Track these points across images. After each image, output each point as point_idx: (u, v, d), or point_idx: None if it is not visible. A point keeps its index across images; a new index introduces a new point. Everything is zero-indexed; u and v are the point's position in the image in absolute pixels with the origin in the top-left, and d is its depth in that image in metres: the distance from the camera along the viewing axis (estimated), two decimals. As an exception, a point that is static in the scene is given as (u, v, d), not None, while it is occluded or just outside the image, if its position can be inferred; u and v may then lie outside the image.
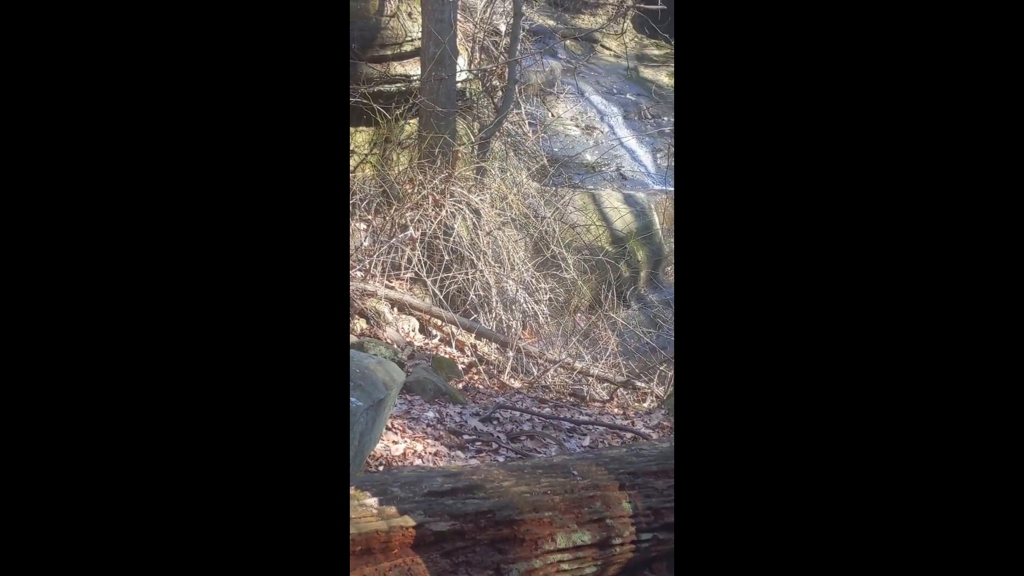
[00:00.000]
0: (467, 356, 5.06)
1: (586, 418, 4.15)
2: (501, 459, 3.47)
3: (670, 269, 8.74)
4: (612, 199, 8.36)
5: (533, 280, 5.59)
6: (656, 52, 11.72)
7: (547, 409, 4.30)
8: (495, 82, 6.96)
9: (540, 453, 3.62)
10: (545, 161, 6.83)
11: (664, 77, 11.20)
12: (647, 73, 11.30)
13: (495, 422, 3.95)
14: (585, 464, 2.23)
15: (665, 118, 10.38)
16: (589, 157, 9.08)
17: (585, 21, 11.54)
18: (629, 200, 8.62)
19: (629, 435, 3.87)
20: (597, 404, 4.66)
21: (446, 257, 5.36)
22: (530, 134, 7.25)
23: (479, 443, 3.61)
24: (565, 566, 1.98)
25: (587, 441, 3.83)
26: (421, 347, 4.97)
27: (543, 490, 2.01)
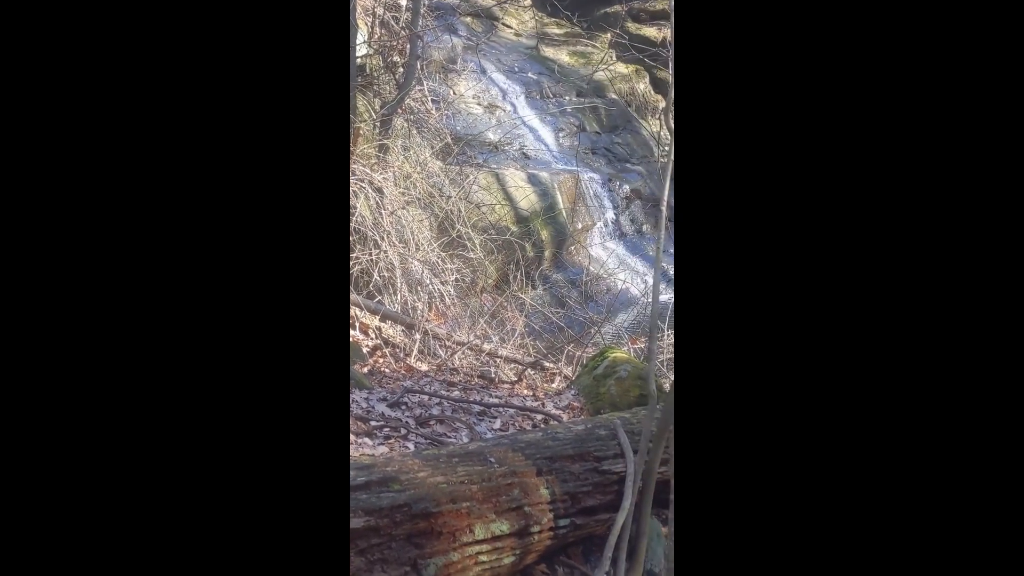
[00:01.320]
0: (372, 339, 4.93)
1: (496, 400, 4.09)
2: (411, 445, 3.37)
3: (574, 248, 8.79)
4: (516, 178, 8.33)
5: (439, 260, 5.49)
6: (557, 31, 11.71)
7: (456, 392, 4.22)
8: (396, 58, 6.78)
9: (451, 438, 3.55)
10: (449, 139, 6.71)
11: (565, 56, 11.20)
12: (548, 52, 11.28)
13: (403, 407, 3.85)
14: (501, 450, 2.17)
15: (567, 97, 10.41)
16: (492, 136, 9.00)
17: (485, -2, 11.41)
18: (533, 179, 8.60)
19: (540, 417, 3.83)
20: (506, 386, 4.61)
21: (349, 237, 5.19)
22: (433, 111, 7.11)
23: (387, 429, 3.50)
24: (483, 557, 1.92)
25: (498, 424, 3.77)
26: (324, 331, 4.80)
27: (460, 480, 1.93)
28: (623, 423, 2.68)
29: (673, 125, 2.46)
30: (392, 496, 1.75)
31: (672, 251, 9.78)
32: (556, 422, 3.70)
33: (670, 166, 2.52)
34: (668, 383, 4.31)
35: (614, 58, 11.11)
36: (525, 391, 4.41)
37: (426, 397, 4.00)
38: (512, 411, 3.92)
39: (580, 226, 8.82)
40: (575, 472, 2.30)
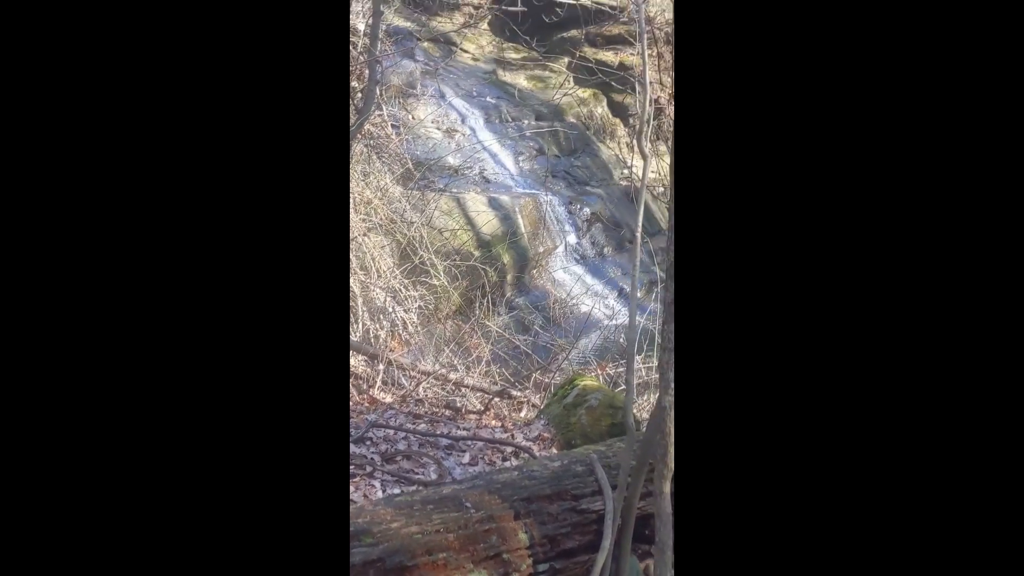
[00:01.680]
0: (334, 371, 4.77)
1: (464, 433, 3.97)
2: (377, 483, 3.25)
3: (536, 272, 8.72)
4: (477, 203, 8.24)
5: (401, 288, 5.37)
6: (515, 55, 11.71)
7: (422, 425, 4.10)
8: (354, 83, 6.68)
9: (418, 474, 3.42)
10: (410, 164, 6.61)
11: (523, 80, 11.19)
12: (506, 76, 11.26)
13: (367, 443, 3.71)
14: (477, 493, 2.06)
15: (526, 121, 10.38)
16: (452, 160, 8.93)
17: (443, 22, 11.37)
18: (493, 203, 8.53)
19: (510, 449, 3.72)
20: (473, 416, 4.49)
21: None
22: (393, 136, 7.01)
23: (352, 466, 3.36)
24: (461, 610, 1.81)
25: (467, 458, 3.65)
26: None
27: (436, 528, 1.82)
28: (599, 457, 2.59)
29: (646, 150, 2.39)
30: (364, 551, 1.63)
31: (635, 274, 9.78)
32: (528, 455, 3.59)
33: (643, 191, 2.44)
34: (645, 412, 4.23)
35: (572, 82, 11.12)
36: (493, 422, 4.30)
37: (391, 431, 3.87)
38: (481, 444, 3.80)
39: (542, 249, 8.77)
40: (553, 513, 2.20)
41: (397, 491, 3.17)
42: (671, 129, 10.65)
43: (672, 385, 1.97)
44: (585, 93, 11.07)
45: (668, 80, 10.46)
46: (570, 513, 2.26)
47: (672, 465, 1.98)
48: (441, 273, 5.71)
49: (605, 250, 9.65)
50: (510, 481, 2.23)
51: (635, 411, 4.50)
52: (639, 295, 9.36)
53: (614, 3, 10.53)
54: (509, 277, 8.06)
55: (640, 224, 2.32)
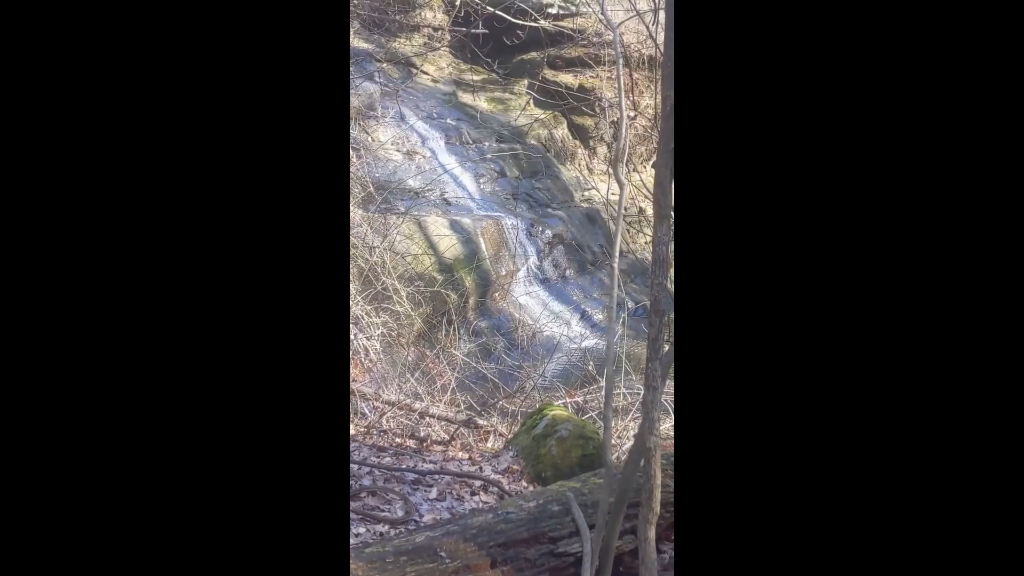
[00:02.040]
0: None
1: (431, 466, 3.85)
2: (341, 522, 3.10)
3: (498, 295, 8.63)
4: (439, 226, 8.15)
5: (364, 315, 5.24)
6: (474, 77, 11.67)
7: (387, 459, 3.97)
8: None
9: (384, 511, 3.29)
10: (371, 188, 6.50)
11: (483, 102, 11.15)
12: (466, 98, 11.21)
13: (331, 478, 3.57)
14: (452, 541, 1.95)
15: (486, 143, 10.32)
16: (413, 183, 8.83)
17: (403, 44, 11.29)
18: (455, 226, 8.44)
19: (478, 483, 3.61)
20: (439, 447, 4.37)
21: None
22: (354, 159, 6.89)
23: (315, 505, 3.22)
24: (438, 669, 1.69)
25: (434, 493, 3.53)
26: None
27: (410, 582, 1.71)
28: (576, 495, 2.49)
29: (622, 177, 2.32)
30: (335, 613, 1.51)
31: (595, 296, 9.76)
32: (499, 489, 3.48)
33: (620, 220, 2.37)
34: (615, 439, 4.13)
35: (532, 104, 11.11)
36: (460, 453, 4.18)
37: (355, 467, 3.73)
38: (448, 478, 3.68)
39: (504, 272, 8.70)
40: (531, 558, 2.10)
41: (363, 529, 3.04)
42: (634, 151, 10.66)
43: (656, 425, 1.88)
44: (545, 115, 11.06)
45: (639, 102, 10.52)
46: (548, 557, 2.16)
47: (657, 508, 1.90)
48: (404, 299, 5.59)
49: (567, 272, 9.61)
50: (485, 525, 2.12)
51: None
52: (600, 318, 9.34)
53: (574, 26, 10.55)
54: (471, 301, 7.96)
55: (617, 254, 2.25)
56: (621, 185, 2.22)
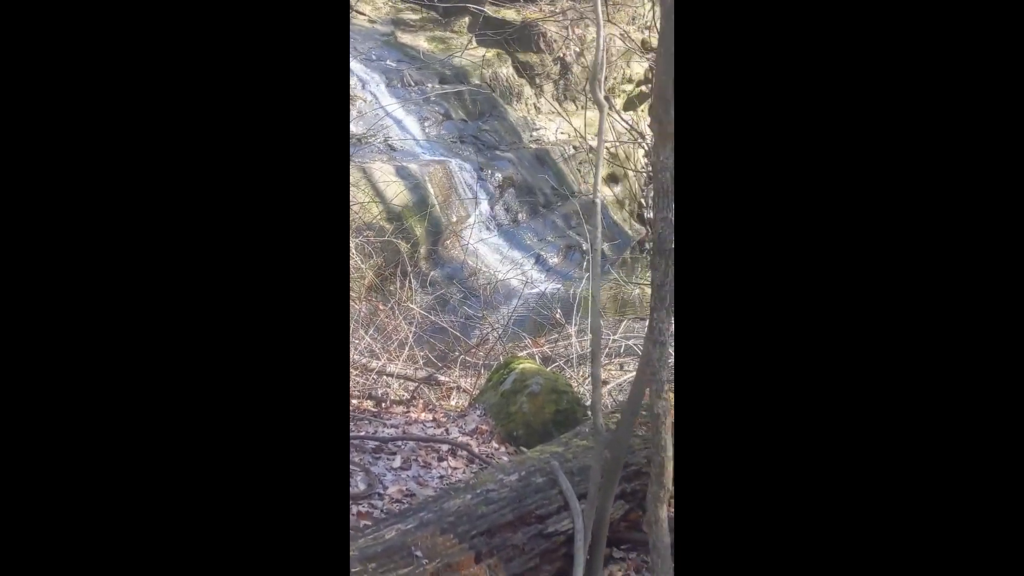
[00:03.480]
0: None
1: (393, 432, 3.53)
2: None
3: (449, 243, 8.30)
4: (384, 172, 7.76)
5: (309, 271, 4.86)
6: (413, 16, 11.15)
7: (344, 424, 3.65)
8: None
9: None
10: (309, 134, 6.05)
11: (423, 42, 10.66)
12: (405, 38, 10.71)
13: (283, 451, 3.25)
14: (427, 536, 1.65)
15: (429, 85, 9.87)
16: (355, 128, 8.38)
17: (335, -18, 10.70)
18: (401, 172, 8.05)
19: (446, 447, 3.32)
20: (399, 408, 4.06)
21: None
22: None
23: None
24: None
25: (398, 462, 3.23)
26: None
27: (381, 594, 1.41)
28: (560, 462, 2.21)
29: (600, 97, 2.00)
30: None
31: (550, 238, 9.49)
32: (471, 456, 3.20)
33: (602, 147, 2.05)
34: (585, 386, 3.87)
35: (474, 43, 10.65)
36: (423, 415, 3.87)
37: (310, 436, 3.41)
38: (412, 444, 3.39)
39: (455, 219, 8.35)
40: (518, 544, 1.82)
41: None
42: (580, 88, 10.31)
43: (666, 387, 1.59)
44: (489, 53, 10.62)
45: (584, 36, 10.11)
46: (537, 540, 1.89)
47: (670, 485, 1.62)
48: (353, 250, 5.22)
49: (519, 216, 9.32)
50: (464, 510, 1.82)
51: (577, 385, 4.14)
52: (555, 261, 9.09)
53: (516, -44, 10.07)
54: (423, 250, 7.62)
55: (598, 189, 1.93)
56: (600, 106, 1.89)
